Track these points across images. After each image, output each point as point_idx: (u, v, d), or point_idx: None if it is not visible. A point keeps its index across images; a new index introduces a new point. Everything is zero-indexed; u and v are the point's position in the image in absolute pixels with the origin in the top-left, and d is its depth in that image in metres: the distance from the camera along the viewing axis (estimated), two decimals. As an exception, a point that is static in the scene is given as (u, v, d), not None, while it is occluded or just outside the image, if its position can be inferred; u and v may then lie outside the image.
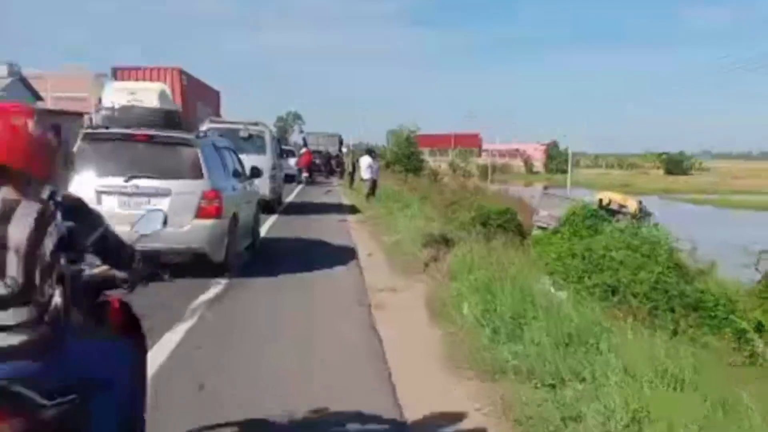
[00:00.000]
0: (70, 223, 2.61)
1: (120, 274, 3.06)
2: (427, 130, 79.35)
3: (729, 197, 63.48)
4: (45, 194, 2.52)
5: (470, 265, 8.98)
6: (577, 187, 59.77)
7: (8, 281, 2.37)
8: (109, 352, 2.89)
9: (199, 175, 9.26)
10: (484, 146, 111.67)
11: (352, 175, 32.55)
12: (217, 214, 9.28)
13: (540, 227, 23.39)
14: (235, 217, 9.96)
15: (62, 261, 2.62)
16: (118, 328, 3.10)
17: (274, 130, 33.83)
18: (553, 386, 4.93)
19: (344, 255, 11.94)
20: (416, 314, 7.82)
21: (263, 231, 13.49)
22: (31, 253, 2.39)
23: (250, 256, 11.20)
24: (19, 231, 2.37)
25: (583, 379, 4.92)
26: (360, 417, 4.63)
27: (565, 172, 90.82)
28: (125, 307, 3.20)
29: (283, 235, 14.18)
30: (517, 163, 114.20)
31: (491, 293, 7.07)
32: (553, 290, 10.32)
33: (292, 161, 35.72)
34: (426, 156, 74.72)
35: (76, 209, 2.72)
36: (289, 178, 30.60)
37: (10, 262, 2.37)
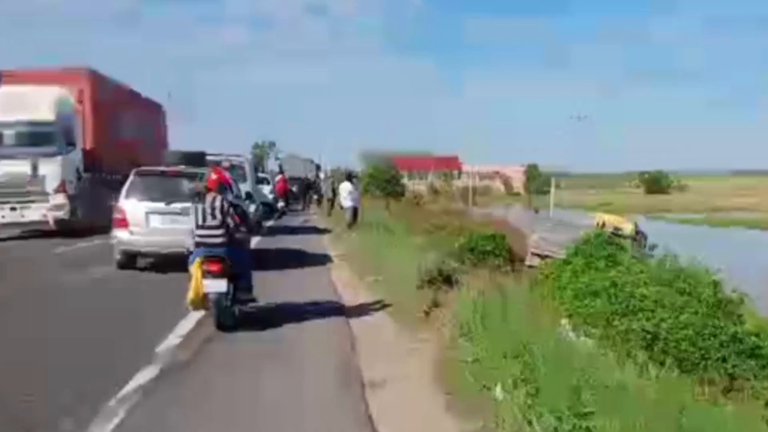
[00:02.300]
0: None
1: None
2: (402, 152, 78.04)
3: (715, 215, 62.40)
4: (220, 194, 8.51)
5: (481, 312, 7.22)
6: (559, 208, 58.41)
7: (218, 218, 8.32)
8: (244, 248, 9.20)
9: None
10: (464, 168, 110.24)
11: (332, 201, 30.62)
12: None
13: (536, 254, 21.75)
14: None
15: (230, 216, 8.46)
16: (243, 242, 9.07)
17: (250, 158, 32.20)
18: None
19: (326, 307, 9.80)
20: (426, 397, 5.80)
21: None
22: (222, 211, 8.36)
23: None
24: (218, 204, 8.36)
25: None
26: None
27: (544, 192, 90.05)
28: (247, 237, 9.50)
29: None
30: (497, 185, 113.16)
31: (522, 361, 5.31)
32: (574, 336, 8.72)
33: (266, 189, 31.03)
34: (405, 179, 73.36)
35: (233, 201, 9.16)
36: (266, 208, 26.99)
37: (217, 212, 8.35)
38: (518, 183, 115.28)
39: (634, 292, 9.07)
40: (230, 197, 9.13)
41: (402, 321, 8.65)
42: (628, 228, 24.09)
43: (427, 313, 8.57)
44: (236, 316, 8.48)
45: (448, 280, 11.88)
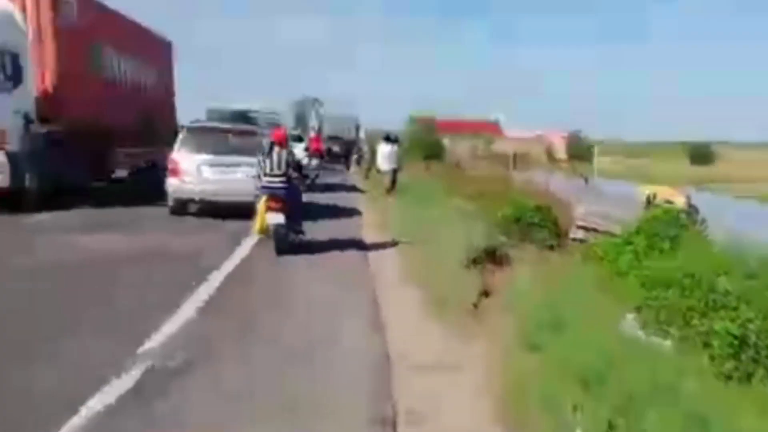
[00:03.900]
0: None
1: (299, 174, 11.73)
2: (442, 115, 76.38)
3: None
4: (285, 149, 11.38)
5: (547, 307, 6.08)
6: (603, 177, 56.42)
7: (283, 168, 10.74)
8: (298, 193, 11.56)
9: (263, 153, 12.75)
10: (505, 132, 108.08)
11: (370, 164, 29.36)
12: None
13: (582, 227, 20.41)
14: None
15: (291, 165, 10.94)
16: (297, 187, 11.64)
17: (291, 114, 31.29)
18: None
19: (359, 288, 8.93)
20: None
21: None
22: (286, 163, 10.83)
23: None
24: (284, 155, 10.80)
25: None
26: None
27: (584, 160, 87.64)
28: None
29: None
30: (537, 151, 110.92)
31: (616, 391, 4.17)
32: (643, 335, 7.53)
33: (298, 149, 23.67)
34: (446, 142, 71.79)
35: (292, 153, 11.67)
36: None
37: (282, 163, 10.77)
38: (560, 149, 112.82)
39: (715, 284, 7.84)
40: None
41: (449, 315, 7.32)
42: (680, 201, 22.62)
43: (475, 305, 7.42)
44: (290, 242, 10.99)
45: (493, 257, 10.83)
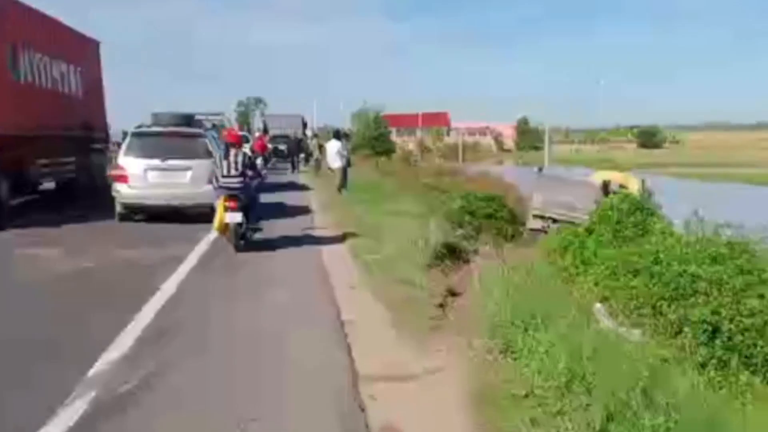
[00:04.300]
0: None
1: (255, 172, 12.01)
2: (392, 110, 75.94)
3: (716, 170, 60.19)
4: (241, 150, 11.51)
5: (514, 305, 5.69)
6: (554, 165, 56.57)
7: (240, 169, 11.02)
8: (254, 191, 11.78)
9: (209, 156, 13.51)
10: (453, 124, 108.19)
11: (318, 161, 29.14)
12: None
13: (538, 216, 20.14)
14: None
15: (246, 165, 11.21)
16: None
17: (234, 115, 30.52)
18: None
19: (316, 294, 8.18)
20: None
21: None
22: (243, 163, 11.12)
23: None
24: (240, 157, 11.14)
25: None
26: None
27: (536, 149, 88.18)
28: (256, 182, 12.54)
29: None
30: (487, 141, 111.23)
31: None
32: (612, 324, 7.22)
33: (245, 148, 26.25)
34: (393, 136, 71.58)
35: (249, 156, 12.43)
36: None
37: (239, 164, 11.05)
38: (509, 139, 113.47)
39: (684, 270, 7.53)
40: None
41: (413, 320, 6.66)
42: (634, 186, 22.48)
43: (442, 306, 6.95)
44: (248, 239, 11.32)
45: (453, 252, 10.47)
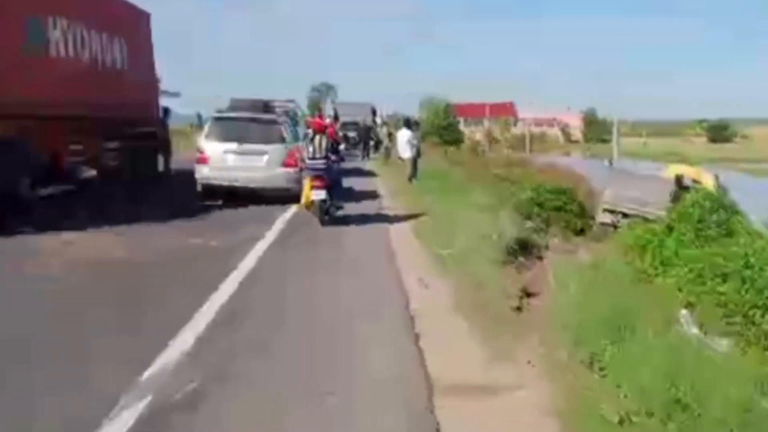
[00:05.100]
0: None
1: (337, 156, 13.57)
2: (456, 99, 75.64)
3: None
4: (324, 135, 12.65)
5: (596, 311, 5.70)
6: (622, 157, 55.33)
7: (323, 152, 12.46)
8: (337, 170, 13.57)
9: (283, 141, 15.66)
10: (519, 115, 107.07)
11: (388, 149, 29.35)
12: (295, 164, 14.96)
13: (608, 210, 19.87)
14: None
15: (329, 149, 12.64)
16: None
17: (306, 102, 31.28)
18: None
19: (383, 290, 7.95)
20: None
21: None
22: (326, 148, 12.52)
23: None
24: (324, 142, 12.59)
25: None
26: None
27: (604, 141, 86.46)
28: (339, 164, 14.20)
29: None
30: (554, 132, 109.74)
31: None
32: (699, 333, 6.95)
33: None
34: (461, 126, 71.31)
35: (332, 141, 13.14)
36: None
37: (322, 148, 12.49)
38: (576, 130, 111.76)
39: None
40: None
41: (489, 322, 6.37)
42: (708, 182, 21.94)
43: (519, 309, 6.82)
44: (332, 215, 12.79)
45: (525, 248, 10.51)
